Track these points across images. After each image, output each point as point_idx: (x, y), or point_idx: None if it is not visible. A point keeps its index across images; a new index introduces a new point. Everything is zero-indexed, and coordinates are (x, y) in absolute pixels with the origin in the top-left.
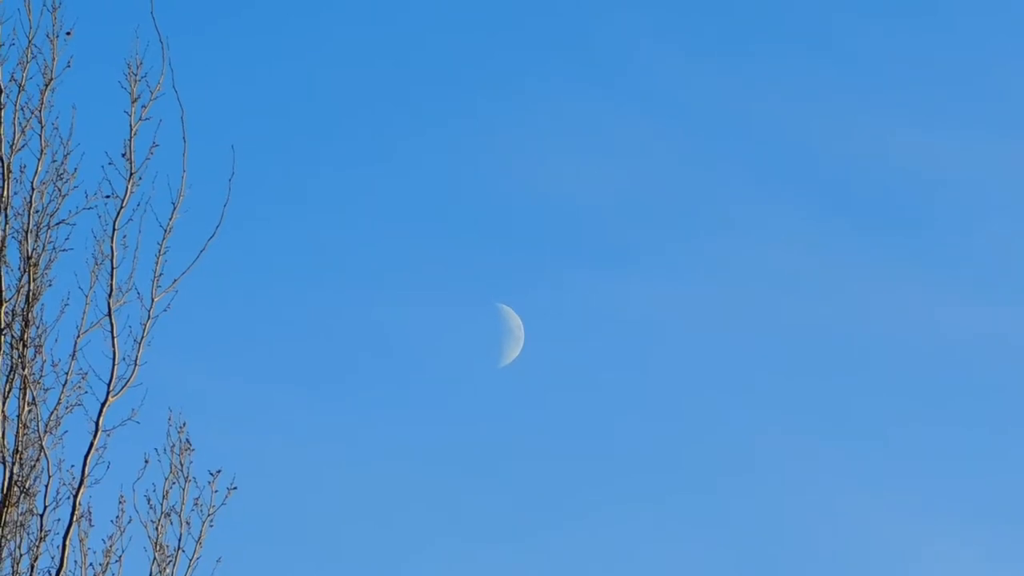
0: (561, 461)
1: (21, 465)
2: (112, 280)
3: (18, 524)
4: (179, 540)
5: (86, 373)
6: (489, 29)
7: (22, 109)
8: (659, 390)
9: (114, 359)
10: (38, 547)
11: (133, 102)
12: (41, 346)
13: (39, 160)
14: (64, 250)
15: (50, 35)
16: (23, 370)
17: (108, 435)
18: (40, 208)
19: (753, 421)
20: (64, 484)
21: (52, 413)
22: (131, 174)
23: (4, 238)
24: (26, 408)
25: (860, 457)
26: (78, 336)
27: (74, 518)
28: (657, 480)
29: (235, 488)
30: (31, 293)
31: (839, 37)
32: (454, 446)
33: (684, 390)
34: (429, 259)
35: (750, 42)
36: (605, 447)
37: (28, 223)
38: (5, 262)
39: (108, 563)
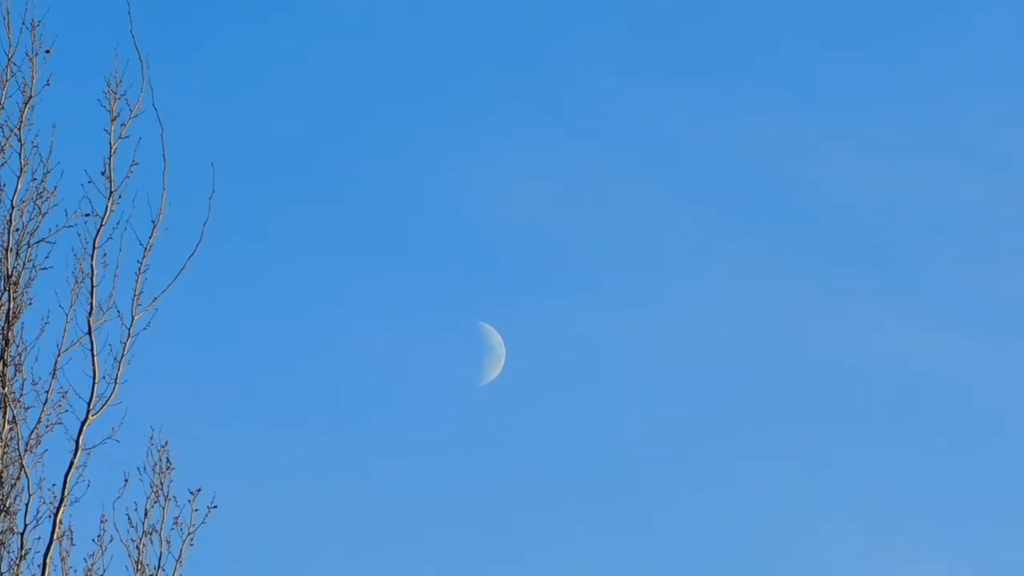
0: (533, 485)
1: (1, 484)
2: (92, 298)
3: None
4: (160, 559)
5: (66, 392)
6: (453, 61)
7: (2, 127)
8: (609, 416)
9: (94, 378)
10: (18, 566)
11: (113, 120)
12: (21, 365)
13: (19, 178)
14: (44, 268)
15: (30, 53)
16: (3, 389)
17: (88, 454)
18: (20, 226)
19: (704, 444)
20: (44, 503)
21: (32, 432)
22: (111, 192)
23: None
24: (6, 427)
25: (810, 476)
26: (58, 355)
27: (55, 536)
28: (612, 504)
29: (215, 507)
30: (11, 311)
31: (785, 64)
32: (430, 468)
33: (634, 415)
34: (396, 284)
35: (691, 67)
36: (573, 471)
37: (8, 241)
38: None
39: None
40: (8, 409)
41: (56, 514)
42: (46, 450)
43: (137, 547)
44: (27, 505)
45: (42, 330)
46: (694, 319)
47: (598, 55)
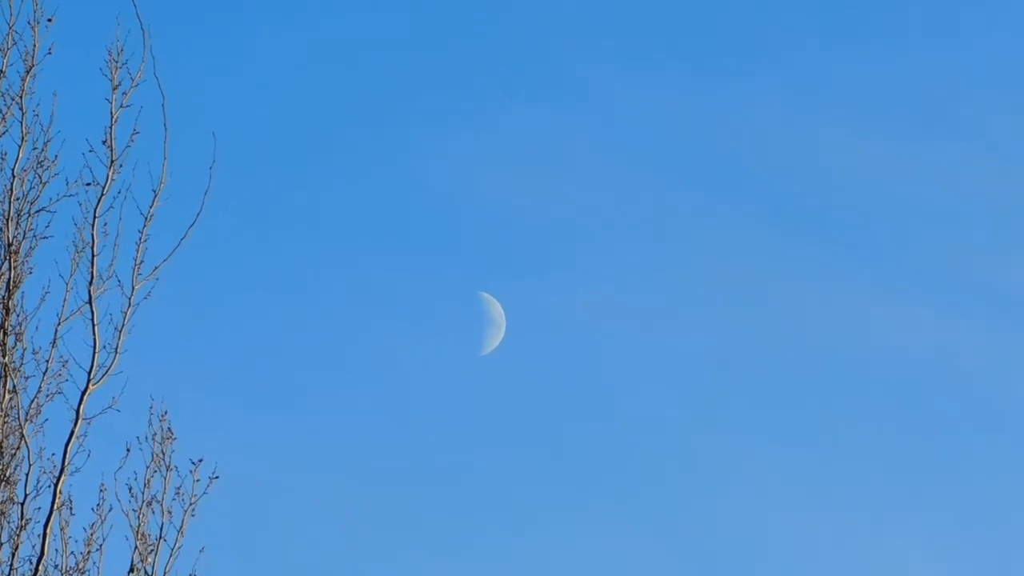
0: (530, 457)
1: (1, 454)
2: (93, 268)
3: None
4: (161, 529)
5: (67, 361)
6: (454, 43)
7: (3, 96)
8: (604, 394)
9: (95, 347)
10: (19, 536)
11: (114, 89)
12: (22, 334)
13: (20, 147)
14: (45, 237)
15: (31, 21)
16: (3, 358)
17: (89, 423)
18: (21, 195)
19: (698, 425)
20: (45, 472)
21: (33, 401)
22: (112, 161)
23: None
24: (7, 396)
25: (804, 460)
26: (59, 324)
27: (55, 506)
28: (603, 482)
29: (217, 477)
30: (12, 281)
31: (777, 48)
32: (427, 438)
33: (628, 394)
34: (397, 257)
35: (686, 51)
36: (558, 447)
37: (9, 210)
38: None
39: (89, 552)
40: (8, 379)
41: (56, 484)
42: (46, 420)
43: (138, 517)
44: (27, 475)
45: (42, 299)
46: (692, 301)
47: (597, 39)
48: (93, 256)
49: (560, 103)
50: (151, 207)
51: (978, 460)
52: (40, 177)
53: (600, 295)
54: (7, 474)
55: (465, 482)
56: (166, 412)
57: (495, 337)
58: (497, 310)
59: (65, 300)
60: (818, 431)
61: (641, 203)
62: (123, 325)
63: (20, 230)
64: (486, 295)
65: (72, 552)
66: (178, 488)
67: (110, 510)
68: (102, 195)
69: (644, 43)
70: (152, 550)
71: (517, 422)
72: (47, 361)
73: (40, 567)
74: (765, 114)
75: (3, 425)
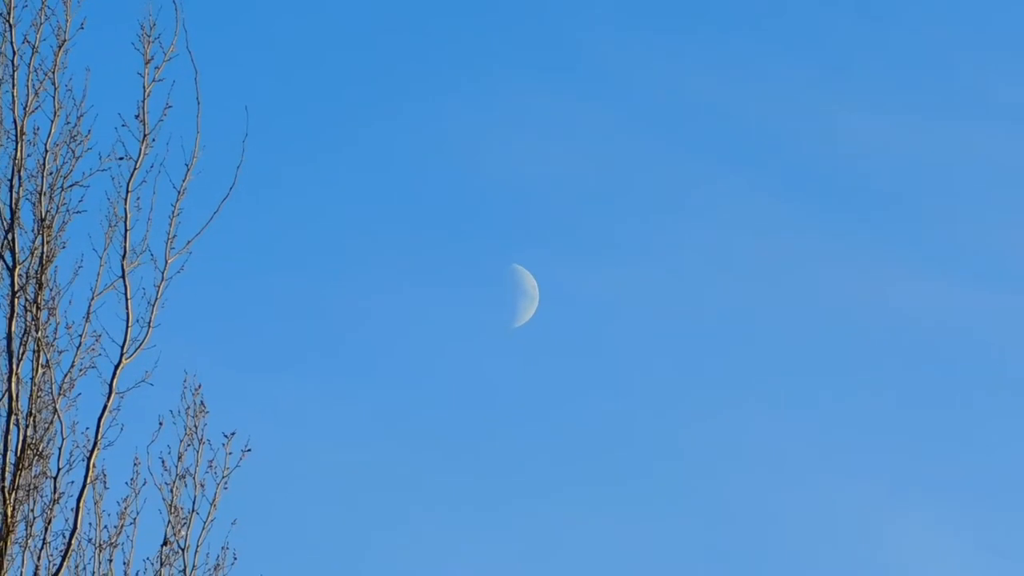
0: (541, 434)
1: (35, 427)
2: (126, 242)
3: (32, 487)
4: (194, 502)
5: (100, 335)
6: (460, 22)
7: (35, 71)
8: (620, 370)
9: (128, 321)
10: (52, 509)
11: (147, 63)
12: (55, 308)
13: (53, 122)
14: (78, 212)
15: None
16: (37, 332)
17: (122, 397)
18: (54, 170)
19: (716, 398)
20: (78, 446)
21: (66, 375)
22: (145, 136)
23: (18, 200)
24: (40, 370)
25: (821, 431)
26: (92, 298)
27: (88, 480)
28: (618, 460)
29: (249, 450)
30: (45, 255)
31: (792, 21)
32: (453, 409)
33: (646, 369)
34: (428, 230)
35: (703, 26)
36: (580, 422)
37: (42, 185)
38: (19, 224)
39: (123, 525)
40: (41, 353)
41: (89, 458)
42: (79, 394)
43: (171, 490)
44: (60, 449)
45: (75, 274)
46: (713, 273)
47: (620, 16)
48: (126, 230)
49: (588, 80)
50: (184, 181)
51: (995, 431)
52: (73, 152)
53: (623, 268)
54: (40, 448)
55: (490, 451)
56: (199, 386)
57: (528, 310)
58: (530, 282)
59: (98, 274)
60: (835, 402)
61: (664, 177)
62: (156, 299)
63: (53, 204)
64: (519, 267)
65: (105, 526)
66: (211, 461)
67: (144, 484)
68: (135, 169)
69: (667, 18)
70: (185, 523)
71: (544, 395)
72: (80, 335)
73: (73, 541)
74: (786, 88)
75: (36, 399)
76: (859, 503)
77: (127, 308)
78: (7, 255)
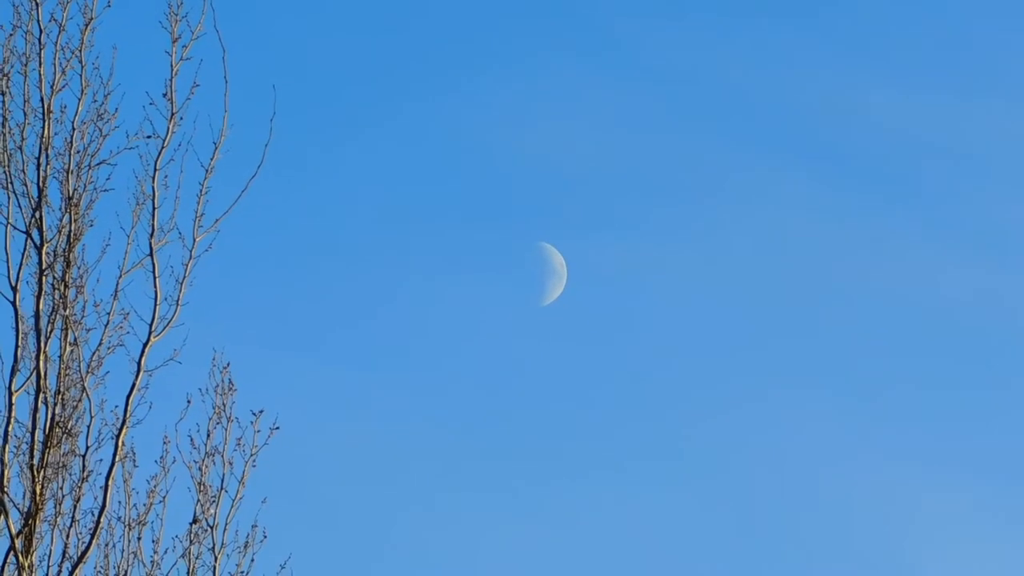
0: (553, 421)
1: (63, 406)
2: (154, 220)
3: (60, 465)
4: (222, 480)
5: (128, 313)
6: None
7: (63, 49)
8: (648, 350)
9: (156, 299)
10: (80, 487)
11: (174, 42)
12: (83, 287)
13: (80, 100)
14: (105, 190)
15: None
16: (65, 311)
17: (150, 375)
18: (81, 148)
19: (752, 381)
20: (106, 424)
21: (94, 353)
22: (172, 114)
23: (45, 178)
24: (68, 348)
25: (855, 415)
26: (120, 276)
27: (116, 458)
28: (645, 441)
29: (278, 428)
30: (72, 233)
31: (835, 7)
32: (488, 389)
33: (675, 350)
34: (457, 211)
35: (734, 7)
36: (599, 405)
37: (69, 163)
38: (47, 202)
39: (152, 503)
40: (70, 331)
41: (118, 436)
42: (108, 372)
43: (200, 468)
44: (89, 427)
45: (103, 252)
46: (743, 255)
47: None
48: (154, 209)
49: (620, 63)
50: (211, 160)
51: None
52: (100, 130)
53: (653, 249)
54: (69, 426)
55: (517, 432)
56: (228, 364)
57: (556, 288)
58: (559, 260)
59: (126, 253)
60: (867, 383)
61: (699, 161)
62: (184, 277)
63: (81, 183)
64: (547, 245)
65: (134, 504)
66: (239, 439)
67: (173, 462)
68: (162, 148)
69: (693, 2)
70: (214, 501)
71: (572, 375)
72: (108, 314)
73: (102, 519)
74: (816, 69)
75: (65, 377)
76: (892, 481)
77: (155, 286)
78: (35, 233)
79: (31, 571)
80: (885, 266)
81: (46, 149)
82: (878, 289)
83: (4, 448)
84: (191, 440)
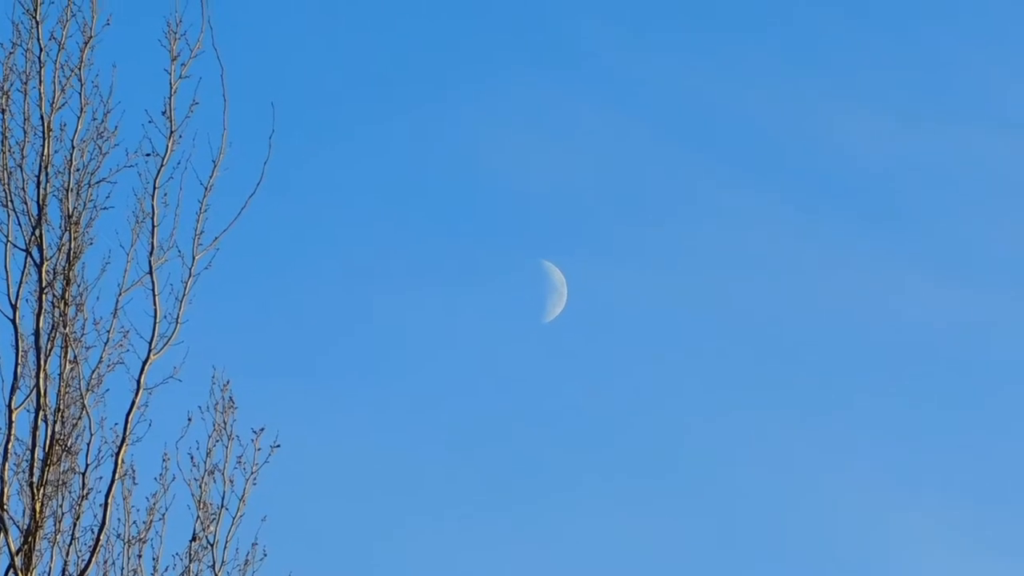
0: (548, 436)
1: (63, 423)
2: (153, 238)
3: (60, 482)
4: (223, 498)
5: (128, 331)
6: (453, 21)
7: (62, 67)
8: (635, 368)
9: (156, 317)
10: (80, 505)
11: (173, 60)
12: (82, 304)
13: (79, 118)
14: (105, 208)
15: None
16: (64, 328)
17: (150, 393)
18: (81, 166)
19: (722, 400)
20: (106, 442)
21: (94, 371)
22: (171, 132)
23: (45, 196)
24: (68, 366)
25: (826, 435)
26: (119, 294)
27: (116, 476)
28: (629, 457)
29: (278, 446)
30: (72, 251)
31: (798, 26)
32: (488, 404)
33: (652, 370)
34: (453, 227)
35: (713, 29)
36: (589, 425)
37: (69, 181)
38: (47, 220)
39: (151, 521)
40: (69, 348)
41: (118, 454)
42: (107, 390)
43: (200, 486)
44: (89, 444)
45: (103, 270)
46: (717, 276)
47: (622, 20)
48: (153, 226)
49: (593, 84)
50: (211, 177)
51: (999, 432)
52: (100, 148)
53: (625, 271)
54: (68, 444)
55: (516, 448)
56: (228, 381)
57: (557, 305)
58: (559, 278)
59: (126, 270)
60: (840, 403)
61: (667, 181)
62: (184, 295)
63: (80, 201)
64: (547, 263)
65: (134, 521)
66: (239, 457)
67: (172, 479)
68: (162, 166)
69: (672, 24)
70: (214, 519)
71: (568, 391)
72: (108, 331)
73: (101, 536)
74: (792, 92)
75: (64, 395)
76: (866, 502)
77: (155, 304)
78: (35, 251)
79: None
80: (858, 286)
81: (46, 167)
82: (854, 309)
83: (4, 466)
84: (191, 458)
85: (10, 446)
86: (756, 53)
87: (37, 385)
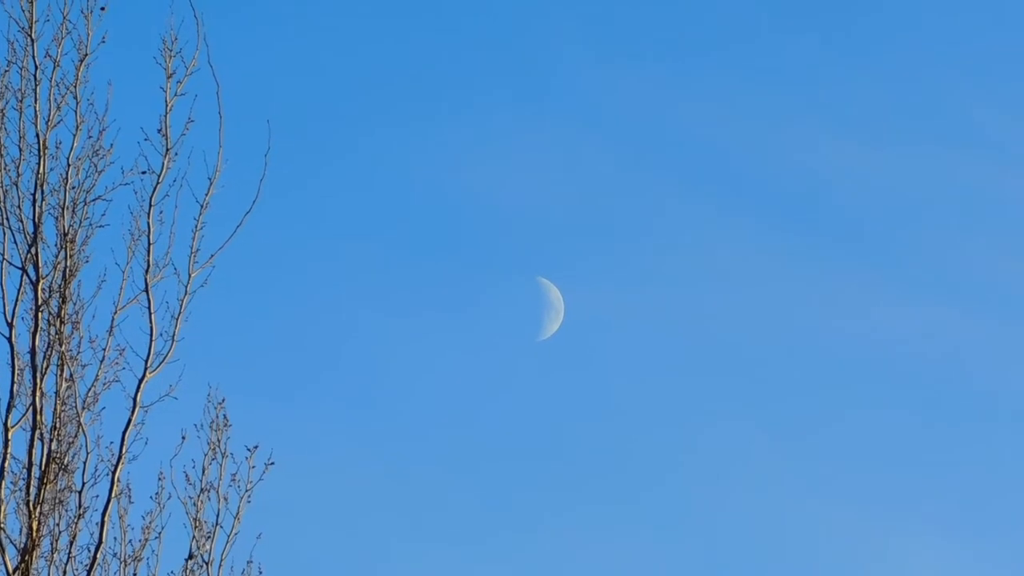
0: (535, 459)
1: (59, 441)
2: (149, 256)
3: (56, 501)
4: (217, 516)
5: (123, 349)
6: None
7: (57, 85)
8: (616, 391)
9: (151, 335)
10: (76, 524)
11: (168, 78)
12: (78, 322)
13: (75, 136)
14: (101, 226)
15: (84, 11)
16: (60, 346)
17: (146, 411)
18: (76, 184)
19: (701, 420)
20: (102, 460)
21: (90, 389)
22: (167, 150)
23: (41, 214)
24: (64, 384)
25: (806, 454)
26: (115, 312)
27: (112, 494)
28: (610, 478)
29: (272, 464)
30: (68, 269)
31: (767, 49)
32: (485, 425)
33: (629, 390)
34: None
35: (682, 52)
36: (559, 448)
37: (64, 199)
38: (42, 238)
39: (147, 539)
40: (65, 367)
41: (114, 472)
42: (103, 408)
43: (195, 504)
44: (85, 463)
45: (99, 288)
46: (693, 297)
47: (594, 45)
48: (149, 244)
49: (566, 107)
50: (206, 195)
51: (979, 451)
52: (95, 166)
53: (600, 291)
54: (65, 462)
55: (507, 469)
56: (223, 399)
57: (554, 322)
58: (555, 295)
59: (122, 288)
60: (819, 424)
61: (638, 200)
62: (179, 313)
63: (76, 219)
64: (544, 280)
65: (130, 540)
66: (234, 475)
67: (168, 498)
68: (158, 183)
69: (635, 46)
70: (209, 537)
71: (561, 412)
72: (104, 349)
73: (98, 555)
74: (762, 114)
75: (61, 413)
76: (848, 522)
77: (150, 322)
78: (31, 269)
79: None
80: (834, 309)
81: (41, 185)
82: (825, 329)
83: (1, 484)
84: (186, 476)
85: (7, 465)
86: (725, 76)
87: (33, 403)
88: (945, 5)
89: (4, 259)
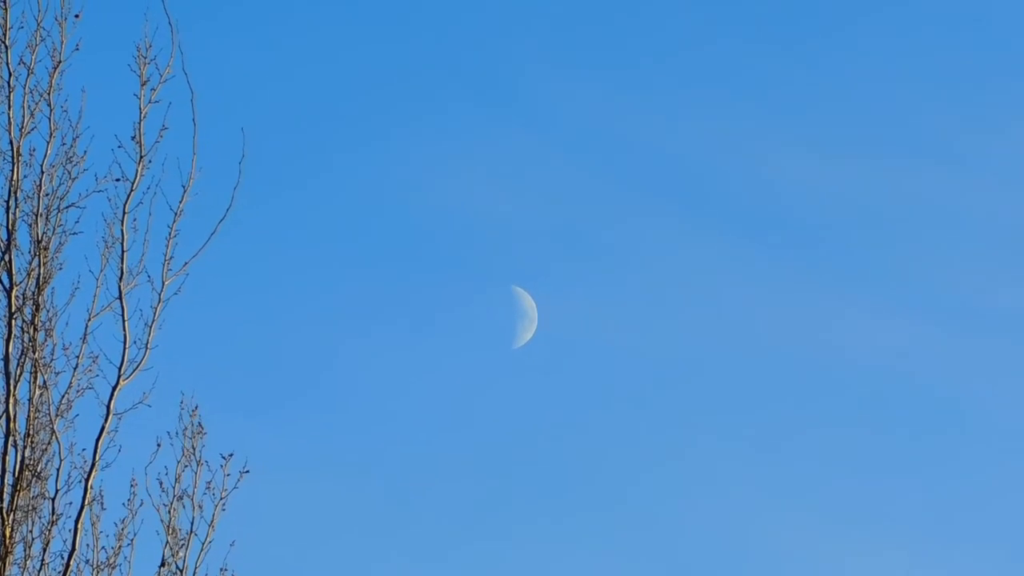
0: (498, 472)
1: (32, 448)
2: (123, 263)
3: (30, 508)
4: (192, 523)
5: (97, 356)
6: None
7: (31, 92)
8: (576, 405)
9: (125, 342)
10: (50, 531)
11: (143, 85)
12: (52, 329)
13: (48, 143)
14: (74, 233)
15: (59, 18)
16: (34, 353)
17: (119, 418)
18: (50, 191)
19: (667, 434)
20: (76, 467)
21: (63, 396)
22: (141, 157)
23: (14, 221)
24: (37, 391)
25: (773, 465)
26: (89, 319)
27: (86, 501)
28: (578, 492)
29: (247, 471)
30: (41, 276)
31: (728, 61)
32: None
33: (597, 405)
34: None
35: (645, 67)
36: (533, 456)
37: (38, 206)
38: (15, 245)
39: (120, 546)
40: (39, 374)
41: (87, 479)
42: (77, 415)
43: (169, 511)
44: (58, 470)
45: (72, 295)
46: (658, 312)
47: (557, 58)
48: (123, 252)
49: (530, 119)
50: (180, 202)
51: (941, 462)
52: (69, 173)
53: (573, 300)
54: (38, 469)
55: (483, 477)
56: (196, 407)
57: (527, 331)
58: (529, 303)
59: (95, 296)
60: (785, 436)
61: (606, 210)
62: (153, 320)
63: (49, 226)
64: (518, 289)
65: (103, 547)
66: (208, 482)
67: (141, 505)
68: (131, 191)
69: (605, 62)
70: (183, 544)
71: (535, 422)
72: (77, 356)
73: (71, 562)
74: (723, 126)
75: (34, 420)
76: (815, 534)
77: (124, 329)
78: (3, 276)
79: None
80: (798, 323)
81: (15, 192)
82: (805, 342)
83: None
84: (160, 483)
85: None
86: (689, 88)
87: (7, 411)
88: (906, 17)
89: None
